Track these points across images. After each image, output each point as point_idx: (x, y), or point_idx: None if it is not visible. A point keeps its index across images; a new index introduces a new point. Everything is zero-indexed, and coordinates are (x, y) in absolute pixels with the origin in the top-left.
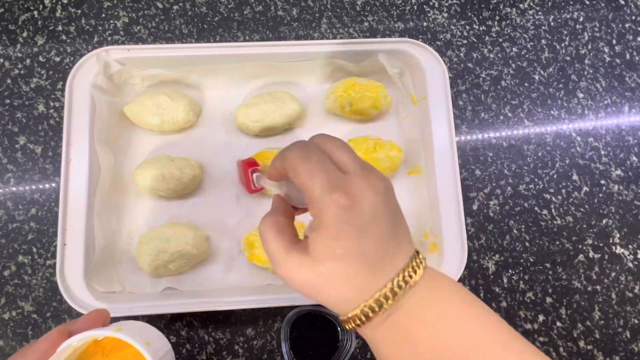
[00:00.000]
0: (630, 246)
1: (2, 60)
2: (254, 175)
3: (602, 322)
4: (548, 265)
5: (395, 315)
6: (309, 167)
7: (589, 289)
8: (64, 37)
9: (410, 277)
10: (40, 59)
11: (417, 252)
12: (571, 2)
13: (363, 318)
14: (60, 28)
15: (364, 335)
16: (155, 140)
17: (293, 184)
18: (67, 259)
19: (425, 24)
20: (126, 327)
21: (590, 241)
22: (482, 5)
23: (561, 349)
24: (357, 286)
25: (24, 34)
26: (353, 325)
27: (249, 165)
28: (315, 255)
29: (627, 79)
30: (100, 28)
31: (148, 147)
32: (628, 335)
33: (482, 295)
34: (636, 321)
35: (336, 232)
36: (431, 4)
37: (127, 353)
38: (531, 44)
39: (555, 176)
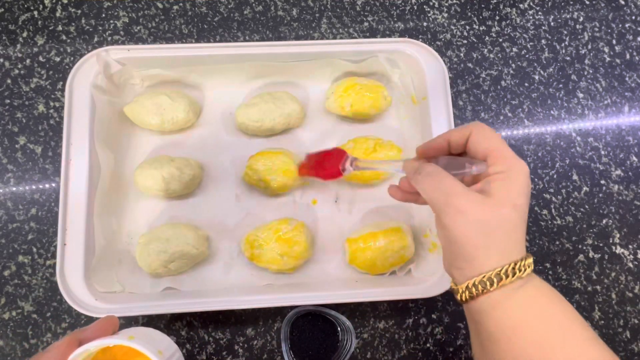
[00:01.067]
0: (630, 246)
1: (2, 60)
2: (350, 157)
3: (602, 322)
4: (548, 265)
5: (514, 298)
6: (499, 137)
7: (589, 289)
8: (64, 37)
9: (528, 266)
10: (40, 59)
11: (522, 259)
12: (571, 2)
13: (486, 284)
14: (60, 28)
15: (473, 313)
16: (155, 140)
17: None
18: (67, 259)
19: (425, 24)
20: (138, 335)
21: (590, 241)
22: (482, 5)
23: None
24: (513, 244)
25: (24, 34)
26: (467, 295)
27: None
28: (499, 199)
29: (627, 79)
30: (100, 28)
31: (148, 147)
32: (628, 335)
33: None
34: (636, 321)
35: (522, 187)
36: (431, 4)
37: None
38: (531, 44)
39: (555, 176)
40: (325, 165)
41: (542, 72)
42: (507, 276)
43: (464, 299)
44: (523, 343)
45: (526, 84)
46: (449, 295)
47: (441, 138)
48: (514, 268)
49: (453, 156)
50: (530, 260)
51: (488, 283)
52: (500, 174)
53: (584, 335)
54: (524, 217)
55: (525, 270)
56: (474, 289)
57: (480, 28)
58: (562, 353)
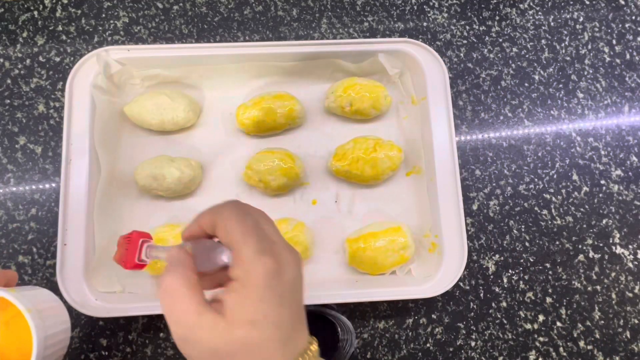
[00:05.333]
0: (630, 246)
1: (2, 60)
2: (146, 245)
3: (602, 322)
4: (548, 265)
5: None
6: (243, 228)
7: (589, 289)
8: (64, 37)
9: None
10: (40, 59)
11: (313, 338)
12: (571, 2)
13: None
14: (60, 28)
15: None
16: (155, 140)
17: (202, 247)
18: (67, 259)
19: (425, 24)
20: (24, 292)
21: (590, 241)
22: (482, 5)
23: (561, 349)
24: (267, 358)
25: (24, 34)
26: None
27: (141, 235)
28: (232, 318)
29: (627, 79)
30: (100, 28)
31: (148, 147)
32: (628, 335)
33: (482, 295)
34: (636, 321)
35: (260, 295)
36: (431, 4)
37: (14, 316)
38: (531, 44)
39: (555, 176)
40: (127, 254)
41: (542, 72)
42: None
43: None
44: None
45: (526, 84)
46: (449, 295)
47: (195, 224)
48: None
49: (213, 241)
50: (316, 344)
51: None
52: (236, 283)
53: None
54: (275, 327)
55: None
56: None
57: (480, 28)
58: None
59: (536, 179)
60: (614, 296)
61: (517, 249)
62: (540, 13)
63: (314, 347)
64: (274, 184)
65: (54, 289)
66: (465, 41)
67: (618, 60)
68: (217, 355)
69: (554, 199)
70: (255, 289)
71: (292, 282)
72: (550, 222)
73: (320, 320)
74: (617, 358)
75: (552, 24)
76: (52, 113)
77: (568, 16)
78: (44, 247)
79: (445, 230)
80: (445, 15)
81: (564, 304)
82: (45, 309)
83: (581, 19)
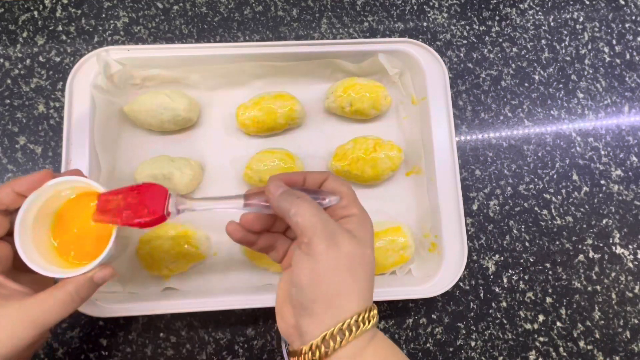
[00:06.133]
0: (630, 246)
1: (2, 60)
2: (173, 199)
3: (602, 322)
4: (548, 265)
5: (375, 341)
6: (347, 187)
7: (589, 289)
8: (64, 37)
9: (369, 321)
10: (40, 59)
11: (372, 308)
12: (571, 2)
13: (359, 326)
14: (60, 28)
15: None
16: (155, 140)
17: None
18: None
19: (425, 24)
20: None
21: (590, 241)
22: (482, 6)
23: (561, 349)
24: (369, 289)
25: (24, 34)
26: (339, 340)
27: (163, 190)
28: (361, 239)
29: (627, 79)
30: (100, 28)
31: (148, 147)
32: (628, 335)
33: (482, 295)
34: (636, 321)
35: (372, 236)
36: (431, 4)
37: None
38: (531, 44)
39: (555, 176)
40: (139, 208)
41: (542, 72)
42: (364, 323)
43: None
44: None
45: (526, 84)
46: (449, 295)
47: (299, 174)
48: (369, 316)
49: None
50: (376, 311)
51: (347, 332)
52: (354, 217)
53: None
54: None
55: (373, 320)
56: (331, 342)
57: (480, 28)
58: None
59: (536, 179)
60: (614, 296)
61: (517, 249)
62: (540, 13)
63: (376, 311)
64: None
65: None
66: (465, 41)
67: (618, 60)
68: (354, 262)
69: (554, 199)
70: (371, 228)
71: (348, 256)
72: (550, 222)
73: None
74: (617, 358)
75: (552, 24)
76: (52, 113)
77: (568, 16)
78: None
79: (445, 230)
80: (445, 15)
81: (564, 304)
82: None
83: (581, 19)
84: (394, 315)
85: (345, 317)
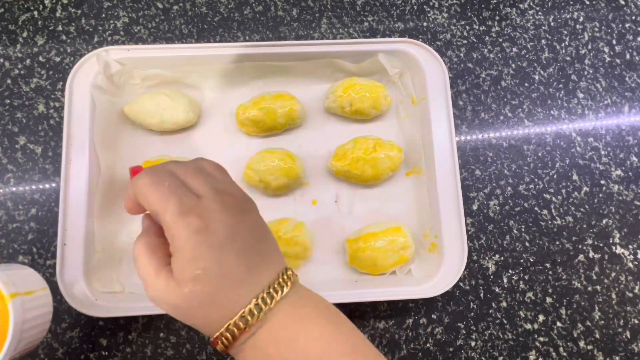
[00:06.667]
0: (630, 246)
1: (2, 60)
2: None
3: (602, 322)
4: (548, 265)
5: (257, 334)
6: (160, 194)
7: (589, 289)
8: (64, 37)
9: (276, 292)
10: (40, 59)
11: (287, 269)
12: (571, 2)
13: (229, 337)
14: (60, 28)
15: (234, 356)
16: (155, 140)
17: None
18: (67, 259)
19: (425, 24)
20: (6, 270)
21: (590, 241)
22: (482, 5)
23: (561, 349)
24: (223, 304)
25: (24, 34)
26: (222, 345)
27: (135, 172)
28: (178, 278)
29: (627, 79)
30: (100, 28)
31: (148, 147)
32: (628, 336)
33: (482, 295)
34: (636, 321)
35: (192, 254)
36: (431, 4)
37: None
38: (531, 44)
39: (555, 176)
40: None
41: (542, 72)
42: (235, 333)
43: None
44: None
45: (526, 84)
46: (449, 295)
47: (126, 199)
48: (237, 324)
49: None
50: (252, 305)
51: (225, 339)
52: (171, 245)
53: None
54: (221, 276)
55: (249, 320)
56: (221, 343)
57: (480, 28)
58: None
59: (536, 179)
60: (614, 296)
61: (517, 249)
62: (540, 13)
63: (287, 274)
64: (274, 184)
65: (54, 289)
66: (465, 41)
67: (618, 60)
68: (180, 309)
69: (554, 199)
70: (186, 249)
71: (227, 230)
72: (550, 222)
73: None
74: (617, 358)
75: (552, 24)
76: (52, 113)
77: (568, 16)
78: (44, 247)
79: (445, 230)
80: (445, 15)
81: (564, 304)
82: (28, 291)
83: (581, 19)
84: (394, 315)
85: (215, 330)
